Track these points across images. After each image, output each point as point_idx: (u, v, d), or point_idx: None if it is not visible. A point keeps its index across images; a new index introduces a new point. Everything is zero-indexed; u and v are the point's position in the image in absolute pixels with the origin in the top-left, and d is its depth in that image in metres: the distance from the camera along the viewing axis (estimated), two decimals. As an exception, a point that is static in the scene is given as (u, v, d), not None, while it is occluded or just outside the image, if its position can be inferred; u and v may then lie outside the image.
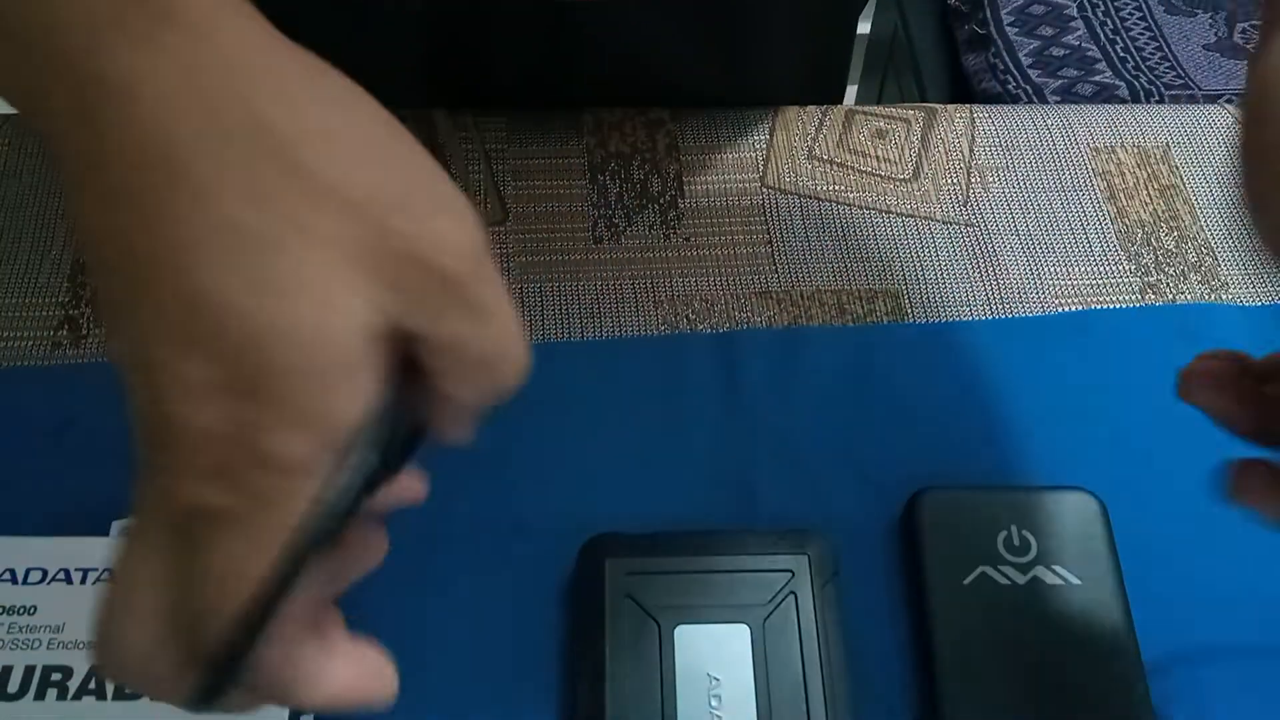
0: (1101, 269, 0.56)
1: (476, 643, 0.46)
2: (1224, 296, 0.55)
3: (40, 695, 0.40)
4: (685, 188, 0.58)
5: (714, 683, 0.43)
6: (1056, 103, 1.00)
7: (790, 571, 0.45)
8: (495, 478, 0.49)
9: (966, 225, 0.58)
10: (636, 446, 0.50)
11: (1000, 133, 0.61)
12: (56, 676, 0.40)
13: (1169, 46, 1.05)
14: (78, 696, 0.40)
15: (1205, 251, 0.57)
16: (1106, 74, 1.03)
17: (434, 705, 0.44)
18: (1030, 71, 1.03)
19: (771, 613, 0.44)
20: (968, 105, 0.62)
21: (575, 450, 0.50)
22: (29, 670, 0.40)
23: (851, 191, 0.58)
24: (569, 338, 0.54)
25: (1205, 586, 0.47)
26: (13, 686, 0.40)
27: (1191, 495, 0.49)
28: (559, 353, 0.53)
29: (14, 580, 0.42)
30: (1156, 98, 1.00)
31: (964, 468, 0.50)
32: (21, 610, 0.42)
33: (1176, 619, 0.46)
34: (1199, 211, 0.58)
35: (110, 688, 0.40)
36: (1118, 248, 0.57)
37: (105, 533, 0.45)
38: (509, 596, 0.47)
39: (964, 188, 0.59)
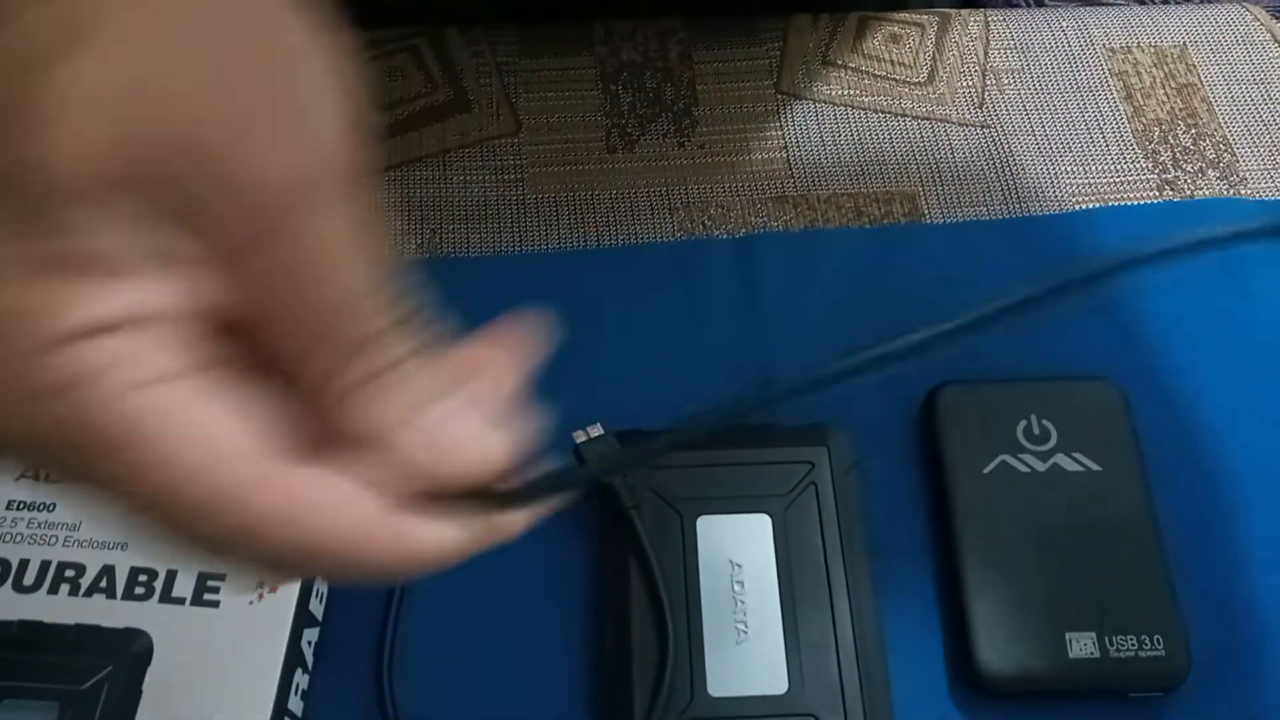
0: (1118, 167, 0.56)
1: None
2: (1243, 191, 0.55)
3: (54, 589, 0.40)
4: (699, 96, 0.58)
5: (736, 569, 0.43)
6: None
7: (810, 463, 0.45)
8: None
9: (982, 127, 0.57)
10: (657, 348, 0.50)
11: (1015, 35, 0.60)
12: (70, 573, 0.41)
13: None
14: (88, 594, 0.40)
15: (1224, 148, 0.57)
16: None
17: (462, 599, 0.45)
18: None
19: (792, 502, 0.44)
20: (981, 9, 0.62)
21: (597, 354, 0.50)
22: (44, 565, 0.41)
23: (866, 96, 0.58)
24: (585, 246, 0.53)
25: (1228, 471, 0.47)
26: (28, 579, 0.41)
27: (1212, 382, 0.49)
28: (577, 261, 0.53)
29: (36, 477, 0.43)
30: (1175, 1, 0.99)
31: (983, 364, 0.50)
32: (41, 506, 0.42)
33: (1199, 503, 0.46)
34: (1217, 109, 0.58)
35: (120, 587, 0.40)
36: (1134, 145, 0.57)
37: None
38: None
39: (979, 90, 0.58)
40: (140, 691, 0.39)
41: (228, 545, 0.23)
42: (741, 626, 0.42)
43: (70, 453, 0.22)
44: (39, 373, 0.21)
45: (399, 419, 0.25)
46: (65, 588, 0.40)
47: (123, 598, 0.40)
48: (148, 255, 0.21)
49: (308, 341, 0.23)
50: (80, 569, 0.41)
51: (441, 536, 0.26)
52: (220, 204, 0.21)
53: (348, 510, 0.24)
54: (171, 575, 0.41)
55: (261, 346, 0.24)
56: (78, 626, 0.40)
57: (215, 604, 0.40)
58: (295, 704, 0.41)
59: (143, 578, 0.41)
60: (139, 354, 0.22)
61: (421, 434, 0.25)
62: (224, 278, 0.22)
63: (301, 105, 0.22)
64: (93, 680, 0.39)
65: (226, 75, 0.21)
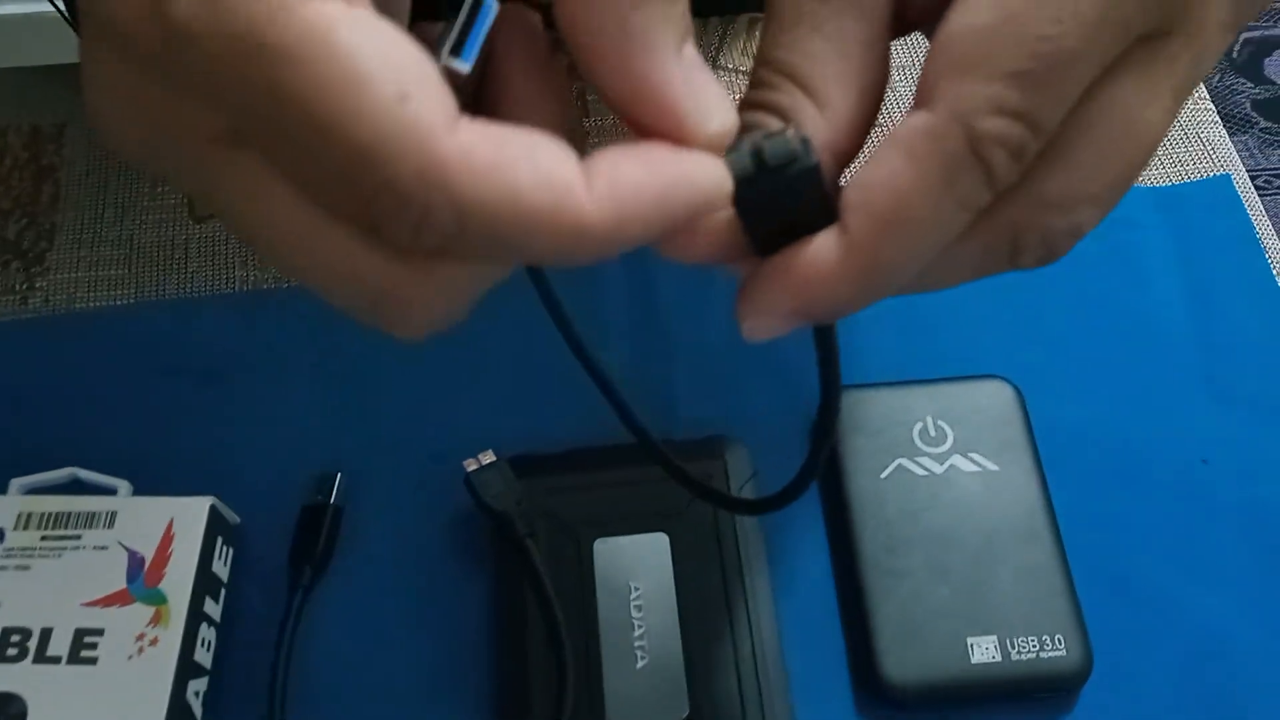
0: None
1: (400, 568, 0.45)
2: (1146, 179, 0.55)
3: None
4: (590, 107, 0.57)
5: (635, 591, 0.42)
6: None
7: (707, 477, 0.45)
8: (411, 405, 0.48)
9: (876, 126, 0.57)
10: (553, 368, 0.49)
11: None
12: None
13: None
14: None
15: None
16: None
17: (356, 638, 0.44)
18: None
19: (690, 519, 0.44)
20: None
21: (492, 373, 0.50)
22: None
23: (757, 100, 0.58)
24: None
25: (1124, 464, 0.47)
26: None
27: (1106, 374, 0.49)
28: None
29: None
30: None
31: (881, 367, 0.49)
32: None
33: (1096, 498, 0.46)
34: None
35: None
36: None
37: (3, 491, 0.44)
38: (431, 522, 0.46)
39: (871, 89, 0.58)
40: (16, 758, 0.37)
41: (392, 188, 0.21)
42: (641, 651, 0.41)
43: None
44: None
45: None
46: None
47: (-8, 656, 0.39)
48: None
49: None
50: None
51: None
52: None
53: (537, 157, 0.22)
54: (46, 634, 0.39)
55: None
56: (-53, 694, 0.38)
57: (93, 661, 0.39)
58: (184, 758, 0.39)
59: (15, 638, 0.39)
60: None
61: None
62: None
63: None
64: (-35, 749, 0.37)
65: None
